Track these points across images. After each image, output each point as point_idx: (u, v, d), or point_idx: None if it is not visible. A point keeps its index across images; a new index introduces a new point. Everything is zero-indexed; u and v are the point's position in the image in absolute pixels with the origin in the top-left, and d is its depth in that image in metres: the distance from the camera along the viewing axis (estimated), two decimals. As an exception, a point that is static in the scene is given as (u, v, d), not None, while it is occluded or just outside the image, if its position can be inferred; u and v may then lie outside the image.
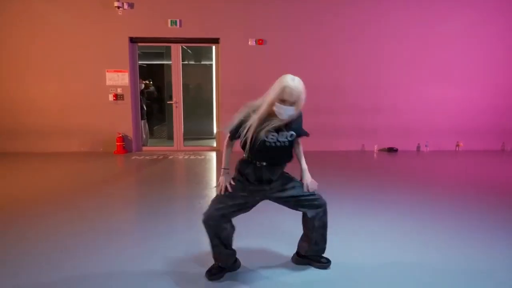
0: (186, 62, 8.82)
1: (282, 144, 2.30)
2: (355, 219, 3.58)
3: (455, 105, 7.64)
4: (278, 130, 2.28)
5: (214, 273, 2.42)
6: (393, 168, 6.06)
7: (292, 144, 2.37)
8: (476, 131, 7.75)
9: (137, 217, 3.81)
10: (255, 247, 2.89)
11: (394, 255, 2.79)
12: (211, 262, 2.46)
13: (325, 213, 2.47)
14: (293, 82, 2.19)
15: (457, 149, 7.76)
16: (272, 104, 2.20)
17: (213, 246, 2.33)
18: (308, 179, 2.46)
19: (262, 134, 2.23)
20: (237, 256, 2.50)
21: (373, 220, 3.55)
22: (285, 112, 2.19)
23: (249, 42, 7.22)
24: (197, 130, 8.68)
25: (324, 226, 2.50)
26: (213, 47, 7.54)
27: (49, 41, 6.98)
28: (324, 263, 2.57)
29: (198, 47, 9.07)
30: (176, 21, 7.03)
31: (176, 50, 7.39)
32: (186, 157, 6.96)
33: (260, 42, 7.21)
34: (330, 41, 7.32)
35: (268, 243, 2.95)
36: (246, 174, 2.34)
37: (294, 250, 2.66)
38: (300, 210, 2.47)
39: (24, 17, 6.88)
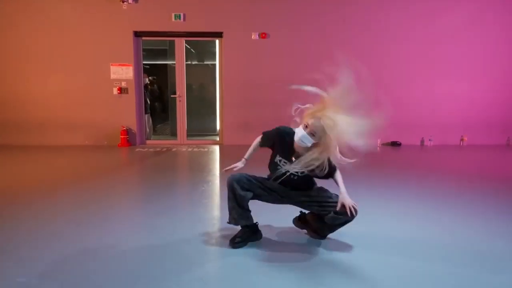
0: (189, 62, 8.86)
1: (294, 176, 2.35)
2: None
3: (460, 99, 7.61)
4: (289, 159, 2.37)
5: (237, 242, 2.45)
6: (396, 162, 6.03)
7: (306, 177, 2.39)
8: (481, 125, 7.70)
9: (142, 198, 3.81)
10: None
11: (404, 231, 2.78)
12: (214, 237, 2.46)
13: (346, 222, 2.40)
14: (330, 117, 2.15)
15: (461, 143, 7.72)
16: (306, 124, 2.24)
17: (228, 199, 2.40)
18: (343, 199, 2.31)
19: (276, 159, 2.40)
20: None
21: (375, 207, 3.54)
22: (301, 138, 2.23)
23: (252, 36, 7.26)
24: (201, 128, 8.68)
25: (338, 225, 2.44)
26: (217, 42, 7.58)
27: (53, 35, 7.06)
28: (320, 236, 2.58)
29: (201, 47, 9.15)
30: (180, 15, 7.09)
31: (180, 44, 7.44)
32: (190, 149, 6.98)
33: (263, 36, 7.25)
34: (333, 35, 7.34)
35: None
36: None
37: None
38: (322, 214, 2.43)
39: (30, 12, 6.97)
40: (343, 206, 2.27)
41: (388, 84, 7.49)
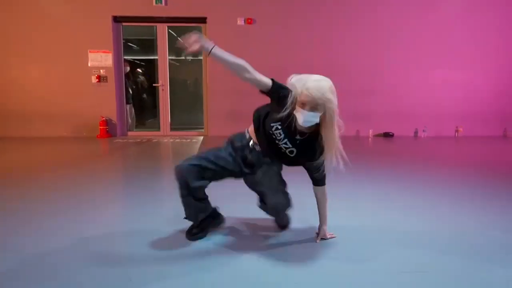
0: (173, 57, 8.45)
1: (284, 150, 1.99)
2: (349, 196, 3.26)
3: (455, 89, 7.29)
4: (289, 133, 1.95)
5: (194, 233, 2.14)
6: (389, 153, 5.72)
7: (299, 160, 2.03)
8: (477, 116, 7.40)
9: (120, 187, 3.48)
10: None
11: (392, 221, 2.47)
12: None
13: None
14: (320, 84, 1.85)
15: (456, 134, 7.41)
16: (293, 108, 1.90)
17: (181, 195, 2.04)
18: (323, 235, 2.13)
19: (269, 123, 1.97)
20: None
21: (361, 198, 3.23)
22: (305, 119, 1.85)
23: (238, 22, 6.92)
24: (188, 122, 8.29)
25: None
26: (199, 28, 7.22)
27: (28, 20, 6.69)
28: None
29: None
30: (161, -1, 6.74)
31: (162, 30, 7.09)
32: (172, 140, 6.65)
33: (249, 21, 6.90)
34: (323, 21, 7.00)
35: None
36: (236, 147, 2.12)
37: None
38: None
39: (4, -5, 6.61)
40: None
41: (381, 72, 7.19)
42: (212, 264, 1.84)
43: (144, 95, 9.66)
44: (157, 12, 6.83)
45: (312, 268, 1.82)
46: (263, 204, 2.17)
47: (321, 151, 1.96)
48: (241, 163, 2.11)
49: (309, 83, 1.84)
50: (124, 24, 7.05)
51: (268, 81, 1.97)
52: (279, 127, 1.95)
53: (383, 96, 7.26)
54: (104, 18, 6.77)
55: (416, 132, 7.37)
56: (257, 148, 2.10)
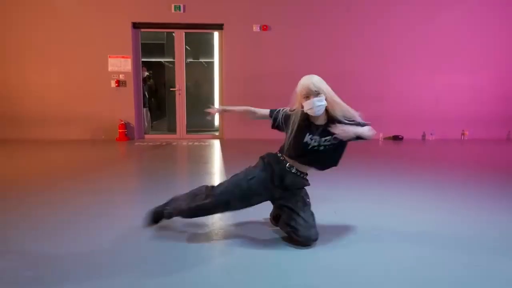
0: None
1: (324, 147, 2.18)
2: (362, 194, 3.49)
3: (461, 93, 7.59)
4: (319, 133, 2.17)
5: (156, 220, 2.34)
6: (399, 155, 5.98)
7: (333, 150, 2.21)
8: (482, 120, 7.69)
9: (141, 187, 3.68)
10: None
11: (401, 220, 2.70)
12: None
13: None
14: (307, 76, 2.19)
15: (462, 137, 7.70)
16: (301, 107, 2.16)
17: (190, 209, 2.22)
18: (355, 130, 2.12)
19: (305, 135, 2.17)
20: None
21: (376, 198, 3.46)
22: (315, 105, 2.08)
23: (254, 28, 7.15)
24: (198, 124, 8.50)
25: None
26: (215, 34, 7.45)
27: (50, 26, 6.87)
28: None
29: (197, 43, 8.98)
30: (179, 6, 6.95)
31: (180, 36, 7.30)
32: (190, 143, 6.84)
33: (264, 28, 7.14)
34: (335, 28, 7.26)
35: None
36: (272, 167, 2.24)
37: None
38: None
39: (27, 3, 6.77)
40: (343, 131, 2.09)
41: (390, 78, 7.47)
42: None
43: (152, 99, 9.88)
44: (175, 18, 7.04)
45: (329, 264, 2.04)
46: (274, 221, 2.40)
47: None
48: (273, 187, 2.22)
49: (299, 83, 2.17)
50: (142, 30, 7.25)
51: (266, 112, 2.37)
52: (310, 135, 2.15)
53: (392, 101, 7.53)
54: (124, 24, 6.97)
55: (424, 135, 7.64)
56: (293, 170, 2.23)
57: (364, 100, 7.37)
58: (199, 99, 8.81)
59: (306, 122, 2.18)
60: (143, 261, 1.95)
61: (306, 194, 2.32)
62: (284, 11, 7.15)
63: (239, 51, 7.21)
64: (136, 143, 6.74)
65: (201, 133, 8.18)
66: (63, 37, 6.90)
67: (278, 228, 2.37)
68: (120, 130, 7.04)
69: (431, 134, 7.59)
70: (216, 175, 4.11)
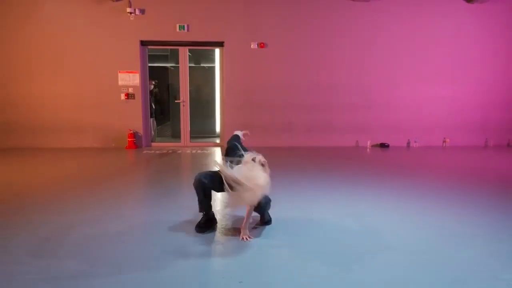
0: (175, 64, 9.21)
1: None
2: (349, 200, 4.13)
3: (443, 103, 8.27)
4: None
5: (202, 227, 3.03)
6: (386, 162, 6.63)
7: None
8: (462, 128, 8.38)
9: (151, 193, 4.31)
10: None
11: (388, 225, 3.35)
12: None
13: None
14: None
15: (444, 145, 8.37)
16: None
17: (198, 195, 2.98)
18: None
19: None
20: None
21: (364, 201, 4.10)
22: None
23: (252, 45, 7.81)
24: (199, 130, 9.16)
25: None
26: (216, 50, 8.11)
27: (65, 43, 7.50)
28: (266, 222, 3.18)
29: (198, 50, 9.63)
30: (184, 26, 7.60)
31: (184, 52, 7.95)
32: (194, 151, 7.48)
33: (261, 45, 7.80)
34: (326, 43, 7.94)
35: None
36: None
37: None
38: None
39: (42, 20, 7.41)
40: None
41: (377, 89, 8.13)
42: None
43: (156, 106, 10.50)
44: (180, 37, 7.69)
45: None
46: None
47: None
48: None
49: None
50: (150, 47, 7.89)
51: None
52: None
53: (379, 111, 8.20)
54: (132, 42, 7.60)
55: (408, 143, 8.31)
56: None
57: (353, 109, 8.12)
58: (201, 103, 9.45)
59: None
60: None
61: None
62: (279, 30, 7.80)
63: (239, 66, 7.87)
64: (144, 151, 7.37)
65: (203, 139, 8.84)
66: (78, 53, 7.54)
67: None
68: (129, 139, 7.68)
69: (415, 141, 8.26)
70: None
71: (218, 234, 2.99)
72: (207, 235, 2.94)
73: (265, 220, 3.19)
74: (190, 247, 2.71)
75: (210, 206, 3.08)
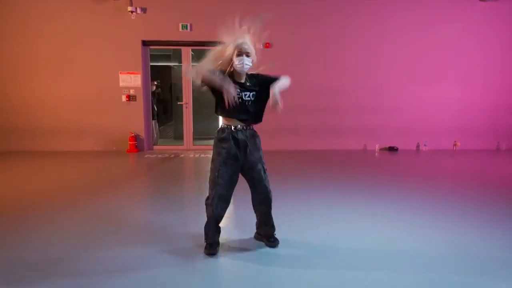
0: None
1: (246, 101, 2.62)
2: (357, 208, 3.91)
3: (453, 105, 8.00)
4: (242, 88, 2.60)
5: (211, 250, 2.72)
6: (394, 166, 6.40)
7: (259, 102, 2.67)
8: (473, 131, 8.12)
9: (153, 205, 4.10)
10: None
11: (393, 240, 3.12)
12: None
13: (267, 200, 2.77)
14: (241, 34, 2.62)
15: (454, 148, 8.12)
16: (230, 60, 2.58)
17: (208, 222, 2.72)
18: (277, 88, 2.58)
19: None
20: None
21: (374, 209, 3.88)
22: (245, 63, 2.57)
23: (257, 46, 7.52)
24: (201, 131, 8.91)
25: (267, 214, 2.82)
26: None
27: (64, 43, 7.27)
28: (272, 242, 2.85)
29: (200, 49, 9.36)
30: (187, 25, 7.34)
31: (187, 52, 7.70)
32: (197, 155, 7.26)
33: (267, 45, 7.54)
34: (333, 44, 7.67)
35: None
36: (224, 139, 2.64)
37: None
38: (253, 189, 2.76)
39: (42, 20, 7.17)
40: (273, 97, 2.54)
41: (385, 92, 7.88)
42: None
43: (158, 106, 10.29)
44: (182, 37, 7.43)
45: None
46: (258, 235, 2.94)
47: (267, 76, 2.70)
48: (235, 150, 2.62)
49: (235, 38, 2.62)
50: (151, 47, 7.64)
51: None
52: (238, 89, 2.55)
53: (387, 113, 7.95)
54: (134, 42, 7.36)
55: (418, 146, 8.07)
56: (238, 127, 2.65)
57: (361, 112, 7.86)
58: (203, 104, 9.17)
59: (232, 80, 2.59)
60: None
61: (263, 162, 2.76)
62: (284, 30, 7.54)
63: (243, 67, 7.59)
64: (146, 155, 7.16)
65: (205, 140, 8.61)
66: (78, 53, 7.30)
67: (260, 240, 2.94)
68: (131, 142, 7.46)
69: (424, 145, 8.01)
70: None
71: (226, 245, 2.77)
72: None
73: (268, 233, 2.86)
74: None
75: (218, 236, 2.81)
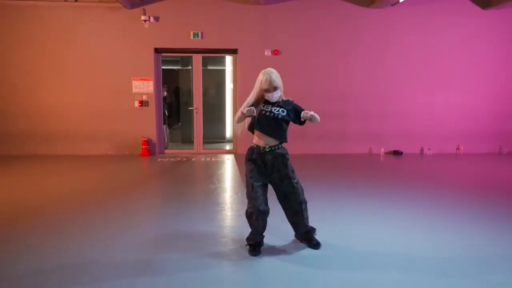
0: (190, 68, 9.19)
1: (276, 115, 2.92)
2: (366, 210, 4.12)
3: (456, 110, 8.21)
4: (271, 104, 2.98)
5: (255, 250, 2.99)
6: (399, 170, 6.60)
7: (285, 120, 2.96)
8: (475, 135, 8.32)
9: (169, 206, 4.31)
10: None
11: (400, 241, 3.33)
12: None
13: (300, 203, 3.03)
14: (267, 72, 2.90)
15: (457, 152, 8.32)
16: (259, 94, 2.96)
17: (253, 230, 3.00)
18: (310, 113, 2.93)
19: (260, 107, 2.96)
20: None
21: (382, 212, 4.08)
22: (273, 96, 2.92)
23: (265, 53, 7.79)
24: (209, 134, 9.08)
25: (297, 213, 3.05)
26: (226, 56, 8.10)
27: (80, 51, 7.52)
28: (315, 244, 3.09)
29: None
30: (198, 33, 7.59)
31: (197, 59, 7.94)
32: (208, 159, 7.48)
33: (275, 52, 7.78)
34: (340, 51, 7.90)
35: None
36: (252, 160, 2.98)
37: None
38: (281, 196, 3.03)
39: (56, 27, 7.43)
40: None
41: (390, 97, 8.09)
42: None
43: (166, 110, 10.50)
44: (194, 44, 7.68)
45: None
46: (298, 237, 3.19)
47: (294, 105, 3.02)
48: (263, 168, 2.95)
49: (261, 78, 2.90)
50: (164, 54, 7.89)
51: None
52: (264, 107, 2.96)
53: (392, 118, 8.17)
54: (147, 49, 7.61)
55: (422, 150, 8.27)
56: (267, 148, 2.94)
57: (366, 116, 8.09)
58: (210, 107, 9.41)
59: (265, 101, 2.98)
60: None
61: (292, 171, 3.03)
62: (293, 37, 7.78)
63: (252, 73, 7.75)
64: (159, 159, 7.38)
65: (213, 144, 8.84)
66: (93, 61, 7.55)
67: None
68: (143, 146, 7.69)
69: (428, 149, 8.22)
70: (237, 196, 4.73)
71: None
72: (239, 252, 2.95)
73: (304, 231, 3.10)
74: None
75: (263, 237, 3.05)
